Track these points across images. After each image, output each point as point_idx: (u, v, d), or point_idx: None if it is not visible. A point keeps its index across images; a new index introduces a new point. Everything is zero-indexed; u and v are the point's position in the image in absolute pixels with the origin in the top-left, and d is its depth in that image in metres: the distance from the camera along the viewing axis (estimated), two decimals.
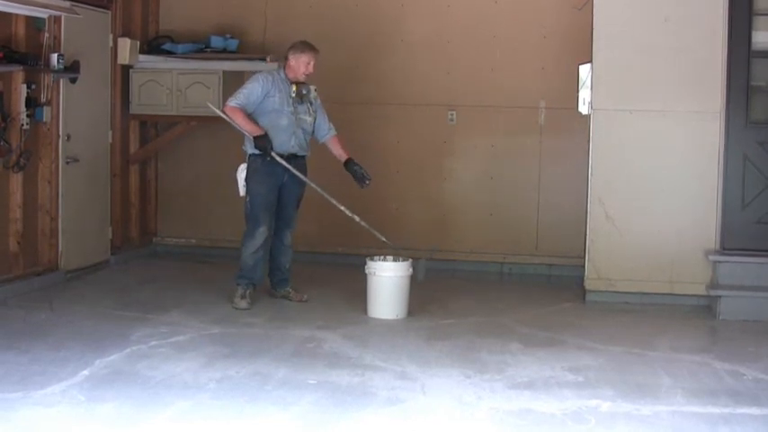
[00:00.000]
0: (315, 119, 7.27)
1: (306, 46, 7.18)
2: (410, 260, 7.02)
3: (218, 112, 7.11)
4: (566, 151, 8.74)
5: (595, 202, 7.58)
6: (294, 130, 7.11)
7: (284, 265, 7.36)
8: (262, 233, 7.10)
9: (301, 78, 7.14)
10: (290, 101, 7.08)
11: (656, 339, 6.44)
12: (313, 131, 7.29)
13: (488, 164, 8.93)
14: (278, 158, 7.01)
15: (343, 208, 7.19)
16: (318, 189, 7.18)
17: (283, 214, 7.24)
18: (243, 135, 7.09)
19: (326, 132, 7.34)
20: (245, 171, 7.13)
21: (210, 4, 9.27)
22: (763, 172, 7.43)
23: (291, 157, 7.12)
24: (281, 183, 7.14)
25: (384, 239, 7.21)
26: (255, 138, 6.96)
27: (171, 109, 8.79)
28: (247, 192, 7.12)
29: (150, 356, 5.67)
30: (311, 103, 7.24)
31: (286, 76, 7.15)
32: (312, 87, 7.24)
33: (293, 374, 5.38)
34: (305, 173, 7.23)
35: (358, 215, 7.21)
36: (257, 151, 7.03)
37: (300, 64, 7.11)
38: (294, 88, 7.10)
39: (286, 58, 7.20)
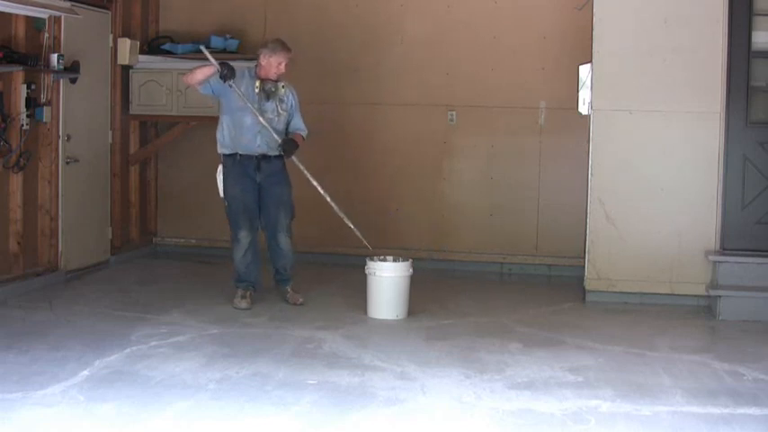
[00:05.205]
0: (287, 119, 7.05)
1: (278, 47, 6.95)
2: (410, 260, 7.03)
3: (211, 59, 6.81)
4: (566, 151, 8.74)
5: (595, 203, 7.58)
6: (260, 129, 6.89)
7: (282, 268, 7.22)
8: (244, 237, 7.00)
9: (272, 78, 6.96)
10: (255, 97, 6.88)
11: (656, 339, 6.45)
12: (287, 132, 7.05)
13: (488, 164, 8.93)
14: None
15: (329, 199, 7.03)
16: (310, 176, 7.00)
17: (268, 218, 7.05)
18: (217, 140, 7.01)
19: (296, 130, 7.07)
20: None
21: (210, 4, 9.27)
22: (763, 172, 7.43)
23: (262, 158, 6.95)
24: (257, 183, 6.97)
25: (367, 245, 7.07)
26: (220, 68, 6.71)
27: (171, 109, 8.79)
28: (224, 196, 7.04)
29: (150, 356, 5.67)
30: (282, 101, 7.01)
31: (257, 73, 6.99)
32: (281, 84, 7.01)
33: (293, 375, 5.38)
34: (281, 174, 7.05)
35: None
36: (227, 151, 6.95)
37: (271, 64, 6.93)
38: (258, 83, 6.91)
39: (257, 56, 7.02)
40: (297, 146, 6.99)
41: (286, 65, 6.98)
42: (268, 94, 6.96)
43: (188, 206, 9.45)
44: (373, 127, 9.05)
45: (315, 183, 7.04)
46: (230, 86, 6.80)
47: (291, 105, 7.09)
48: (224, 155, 7.02)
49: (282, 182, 7.08)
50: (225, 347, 5.93)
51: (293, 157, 6.97)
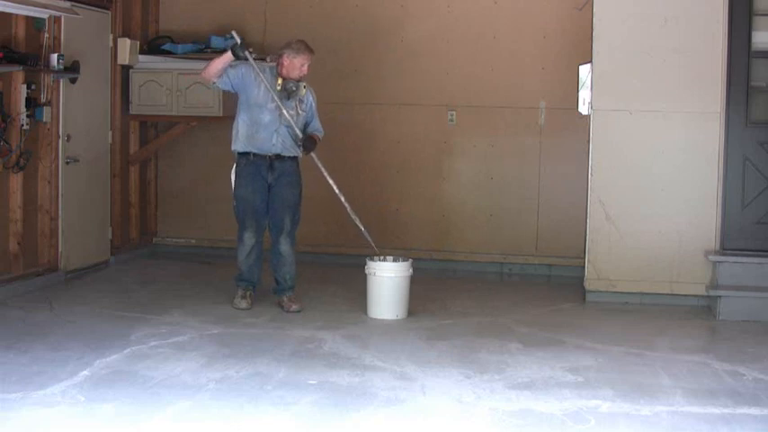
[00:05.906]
0: (306, 120, 6.99)
1: (302, 47, 6.89)
2: (410, 260, 7.02)
3: (236, 37, 6.77)
4: (566, 151, 8.75)
5: (595, 203, 7.58)
6: (277, 128, 6.84)
7: (282, 279, 7.02)
8: (249, 238, 6.95)
9: (294, 78, 6.88)
10: (275, 95, 6.78)
11: (656, 339, 6.45)
12: (304, 131, 6.99)
13: (488, 164, 8.94)
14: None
15: (343, 200, 7.06)
16: (328, 176, 6.99)
17: (274, 219, 6.96)
18: (232, 136, 6.97)
19: (315, 131, 7.06)
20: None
21: (210, 4, 9.28)
22: (763, 172, 7.43)
23: (275, 158, 6.88)
24: (268, 184, 6.90)
25: (374, 247, 7.08)
26: (231, 49, 6.70)
27: (171, 109, 8.80)
28: (233, 196, 7.01)
29: (150, 357, 5.67)
30: (301, 101, 6.95)
31: (278, 72, 6.91)
32: (302, 84, 6.94)
33: (293, 375, 5.38)
34: (293, 175, 6.98)
35: (358, 214, 7.18)
36: (240, 149, 6.87)
37: (294, 65, 6.85)
38: (279, 81, 6.83)
39: (280, 56, 6.92)
40: (316, 143, 6.97)
41: (309, 66, 6.93)
42: (289, 93, 6.87)
43: (188, 206, 9.45)
44: (373, 127, 9.06)
45: (332, 182, 7.02)
46: (246, 56, 6.70)
47: (311, 106, 7.05)
48: (237, 153, 6.95)
49: (293, 183, 6.99)
50: (225, 347, 5.92)
51: (312, 155, 6.95)
